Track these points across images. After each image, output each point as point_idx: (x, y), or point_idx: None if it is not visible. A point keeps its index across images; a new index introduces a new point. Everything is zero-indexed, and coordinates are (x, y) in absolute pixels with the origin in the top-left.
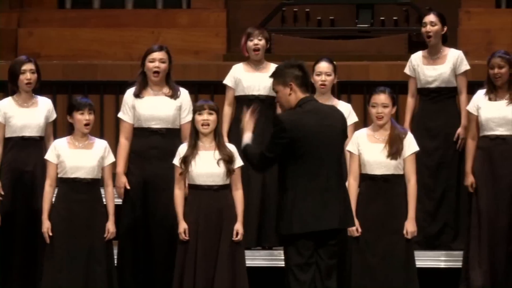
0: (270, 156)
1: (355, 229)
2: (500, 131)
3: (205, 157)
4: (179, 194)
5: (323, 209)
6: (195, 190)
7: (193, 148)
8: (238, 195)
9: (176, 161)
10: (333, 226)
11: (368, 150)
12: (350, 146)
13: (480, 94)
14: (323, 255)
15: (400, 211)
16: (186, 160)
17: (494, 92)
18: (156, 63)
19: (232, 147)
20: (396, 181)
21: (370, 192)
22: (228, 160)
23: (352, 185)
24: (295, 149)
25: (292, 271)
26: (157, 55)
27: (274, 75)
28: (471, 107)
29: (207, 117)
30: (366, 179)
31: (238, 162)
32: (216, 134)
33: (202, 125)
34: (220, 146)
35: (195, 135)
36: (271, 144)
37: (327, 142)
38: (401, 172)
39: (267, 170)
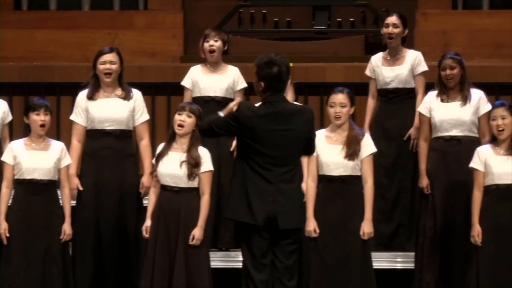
0: (216, 130)
1: (312, 230)
2: (455, 132)
3: (172, 158)
4: (151, 192)
5: (256, 205)
6: (162, 190)
7: (166, 148)
8: (203, 200)
9: (153, 159)
10: (260, 223)
11: (326, 151)
12: None
13: (432, 95)
14: (279, 255)
15: (357, 212)
16: (157, 159)
17: (446, 93)
18: (107, 65)
19: (203, 152)
20: (353, 182)
21: (327, 193)
22: (193, 163)
23: (310, 186)
24: (246, 143)
25: (247, 270)
26: (107, 57)
27: (255, 65)
28: (422, 109)
29: (184, 119)
30: (324, 180)
31: (206, 167)
32: (192, 137)
33: (178, 125)
34: (191, 148)
35: (172, 135)
36: (222, 121)
37: (281, 143)
38: (359, 173)
39: (208, 137)
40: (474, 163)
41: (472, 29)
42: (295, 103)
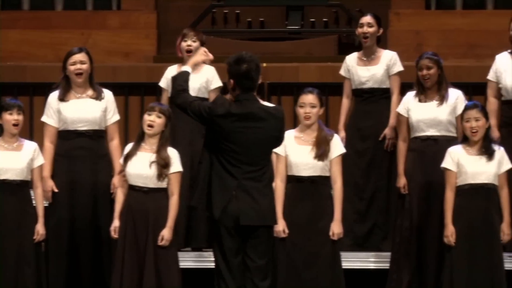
0: (189, 113)
1: (282, 231)
2: (431, 132)
3: (141, 158)
4: (119, 192)
5: (228, 203)
6: (130, 190)
7: (135, 148)
8: (172, 201)
9: (121, 159)
10: (234, 221)
11: (295, 152)
12: (277, 147)
13: (410, 95)
14: (251, 255)
15: (327, 212)
16: (126, 159)
17: (423, 93)
18: (78, 65)
19: (173, 152)
20: (323, 183)
21: (297, 193)
22: (162, 164)
23: (279, 186)
24: (216, 138)
25: (219, 270)
26: (77, 57)
27: (226, 64)
28: (401, 109)
29: (153, 119)
30: (293, 181)
31: (175, 168)
32: (162, 138)
33: (147, 125)
34: (160, 149)
35: (141, 135)
36: (198, 108)
37: (251, 142)
38: (328, 174)
39: (176, 106)
40: (447, 163)
41: (446, 29)
42: (266, 103)
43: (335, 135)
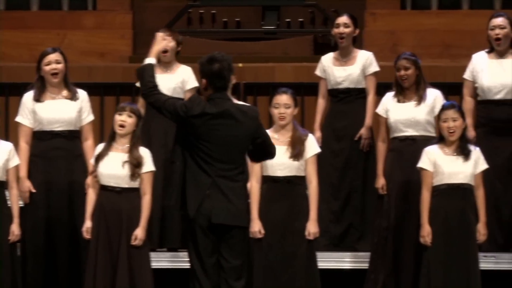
0: (163, 111)
1: (257, 231)
2: (410, 132)
3: (114, 158)
4: (90, 193)
5: (202, 202)
6: (101, 191)
7: (107, 148)
8: (145, 200)
9: (92, 159)
10: (208, 220)
11: None
12: None
13: (389, 96)
14: (226, 255)
15: (302, 212)
16: (98, 160)
17: (402, 94)
18: (53, 65)
19: (145, 152)
20: (298, 183)
21: (272, 193)
22: (135, 164)
23: (255, 187)
24: (190, 136)
25: (194, 271)
26: (52, 57)
27: (198, 64)
28: (380, 110)
29: (125, 119)
30: (269, 181)
31: (148, 167)
32: (133, 137)
33: (119, 125)
34: (132, 149)
35: (112, 136)
36: (173, 107)
37: (226, 142)
38: (303, 174)
39: (151, 105)
40: (423, 163)
41: (421, 29)
42: (240, 102)
43: (310, 135)
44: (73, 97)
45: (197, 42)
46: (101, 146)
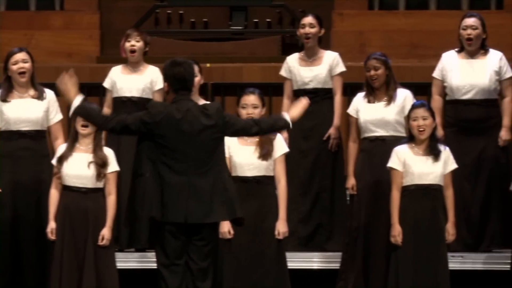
0: (131, 127)
1: (227, 231)
2: (380, 132)
3: (78, 159)
4: (53, 194)
5: (178, 202)
6: (65, 191)
7: (70, 149)
8: (110, 200)
9: (54, 160)
10: (178, 220)
11: (239, 152)
12: None
13: (359, 96)
14: (194, 257)
15: (272, 212)
16: (61, 160)
17: (372, 94)
18: (21, 64)
19: (109, 152)
20: (267, 182)
21: (242, 194)
22: (100, 163)
23: None
24: (157, 140)
25: (160, 272)
26: (19, 56)
27: (163, 69)
28: (350, 110)
29: (86, 121)
30: (238, 181)
31: (113, 167)
32: (96, 137)
33: (81, 125)
34: (96, 149)
35: (74, 136)
36: (135, 119)
37: (193, 141)
38: (272, 174)
39: (117, 134)
40: (393, 163)
41: (389, 29)
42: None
43: (278, 135)
44: (40, 96)
45: (164, 43)
46: (63, 147)
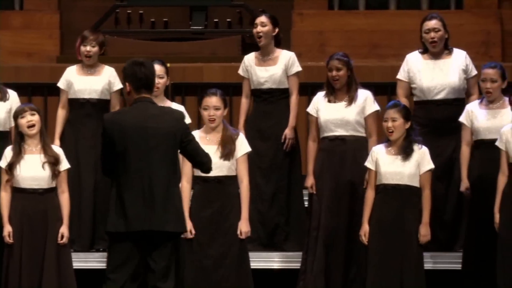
0: (104, 160)
1: (188, 231)
2: (340, 132)
3: (31, 161)
4: (4, 197)
5: (135, 210)
6: (20, 194)
7: (19, 152)
8: (64, 198)
9: (3, 163)
10: (144, 227)
11: None
12: None
13: (320, 96)
14: (155, 258)
15: (234, 211)
16: (11, 166)
17: (333, 94)
18: None
19: (58, 149)
20: (229, 182)
21: (204, 194)
22: (53, 162)
23: (185, 187)
24: (115, 147)
25: (107, 274)
26: None
27: (123, 69)
28: (310, 109)
29: (31, 118)
30: (200, 181)
31: (65, 165)
32: (42, 135)
33: (28, 127)
34: (45, 148)
35: (20, 139)
36: (101, 150)
37: (149, 144)
38: (235, 173)
39: (110, 170)
40: (367, 162)
41: (348, 29)
42: (163, 106)
43: (241, 134)
44: (3, 97)
45: (125, 42)
46: (9, 151)
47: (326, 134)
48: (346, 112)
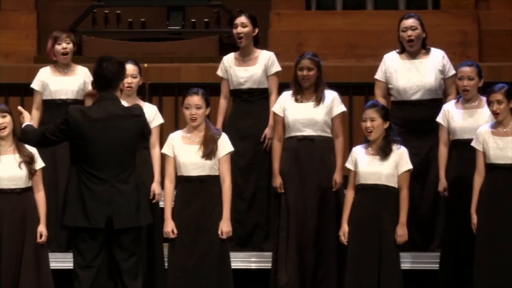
0: (51, 138)
1: (170, 231)
2: (308, 132)
3: (6, 161)
4: None
5: (97, 207)
6: None
7: None
8: (40, 197)
9: None
10: (101, 225)
11: (183, 152)
12: (166, 148)
13: (286, 95)
14: (119, 257)
15: (215, 211)
16: None
17: (300, 93)
18: None
19: (32, 148)
20: (211, 182)
21: (186, 193)
22: (29, 161)
23: (168, 187)
24: (77, 144)
25: (75, 272)
26: None
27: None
28: (276, 108)
29: (2, 121)
30: (182, 181)
31: (40, 164)
32: (15, 135)
33: (1, 129)
34: (20, 148)
35: None
36: (55, 128)
37: (113, 144)
38: (217, 173)
39: (45, 147)
40: (348, 163)
41: (326, 29)
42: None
43: (223, 134)
44: None
45: (102, 42)
46: None
47: (293, 134)
48: (314, 112)
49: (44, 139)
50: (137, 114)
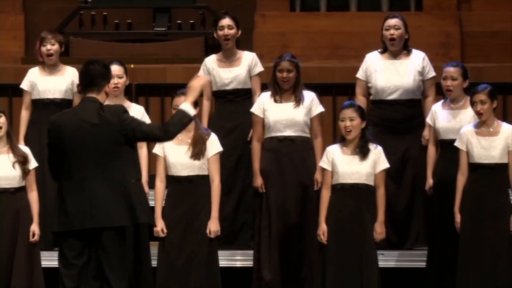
0: (49, 162)
1: (160, 230)
2: (288, 132)
3: (0, 161)
4: None
5: (76, 209)
6: None
7: None
8: (33, 196)
9: None
10: (84, 226)
11: (173, 152)
12: (156, 148)
13: (266, 96)
14: (104, 257)
15: (204, 211)
16: None
17: (279, 94)
18: None
19: (25, 148)
20: (201, 182)
21: (176, 193)
22: (23, 161)
23: (159, 187)
24: (58, 148)
25: (60, 272)
26: None
27: None
28: (256, 109)
29: None
30: (172, 181)
31: (33, 164)
32: (8, 135)
33: None
34: (13, 148)
35: None
36: (47, 149)
37: (86, 143)
38: (206, 173)
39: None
40: (323, 163)
41: (310, 31)
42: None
43: (212, 134)
44: None
45: (88, 44)
46: None
47: (274, 134)
48: (295, 113)
49: (50, 171)
50: (113, 122)
